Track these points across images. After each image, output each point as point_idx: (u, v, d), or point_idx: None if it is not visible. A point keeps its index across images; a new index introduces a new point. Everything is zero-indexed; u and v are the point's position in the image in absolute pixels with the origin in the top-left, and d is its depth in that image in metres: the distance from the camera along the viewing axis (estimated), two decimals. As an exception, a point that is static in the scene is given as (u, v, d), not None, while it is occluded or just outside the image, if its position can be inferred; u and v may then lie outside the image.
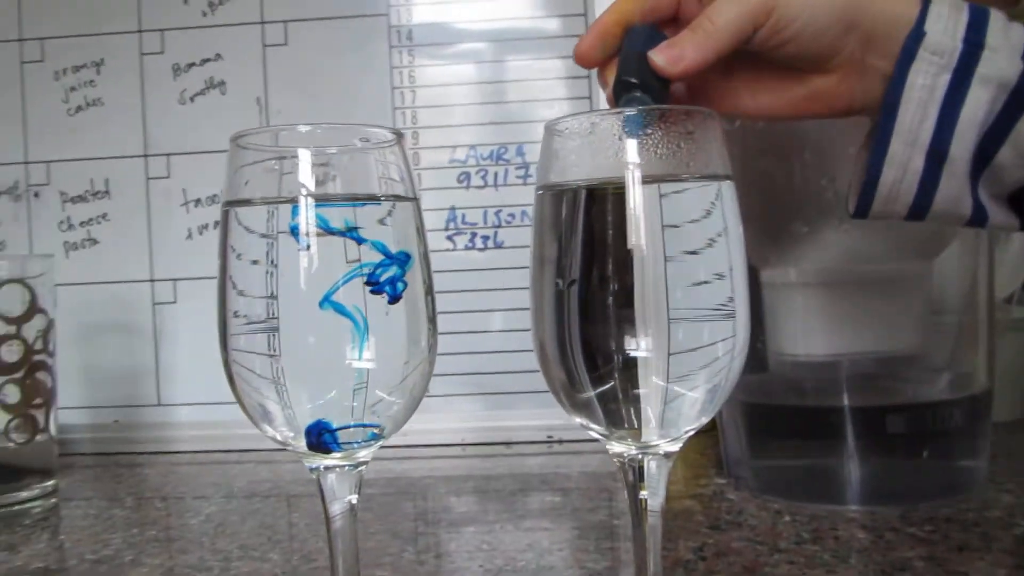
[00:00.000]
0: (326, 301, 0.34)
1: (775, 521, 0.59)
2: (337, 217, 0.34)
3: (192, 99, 0.91)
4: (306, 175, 0.34)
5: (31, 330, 0.69)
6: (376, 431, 0.37)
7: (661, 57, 0.41)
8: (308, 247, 0.34)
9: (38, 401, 0.70)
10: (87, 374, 0.91)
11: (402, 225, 0.36)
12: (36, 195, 0.92)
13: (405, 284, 0.35)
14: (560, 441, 0.84)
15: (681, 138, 0.33)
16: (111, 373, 0.91)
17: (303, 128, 0.36)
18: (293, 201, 0.34)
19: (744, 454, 0.67)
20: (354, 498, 0.38)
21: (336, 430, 0.36)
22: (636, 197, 0.33)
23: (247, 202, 0.35)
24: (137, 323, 0.91)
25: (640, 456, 0.36)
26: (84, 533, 0.63)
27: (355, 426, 0.37)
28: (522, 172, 0.87)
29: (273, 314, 0.33)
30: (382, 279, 0.35)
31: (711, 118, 0.35)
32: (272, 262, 0.33)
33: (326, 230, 0.34)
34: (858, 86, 0.45)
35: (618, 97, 0.41)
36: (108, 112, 0.92)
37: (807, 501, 0.62)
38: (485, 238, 0.87)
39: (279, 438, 0.36)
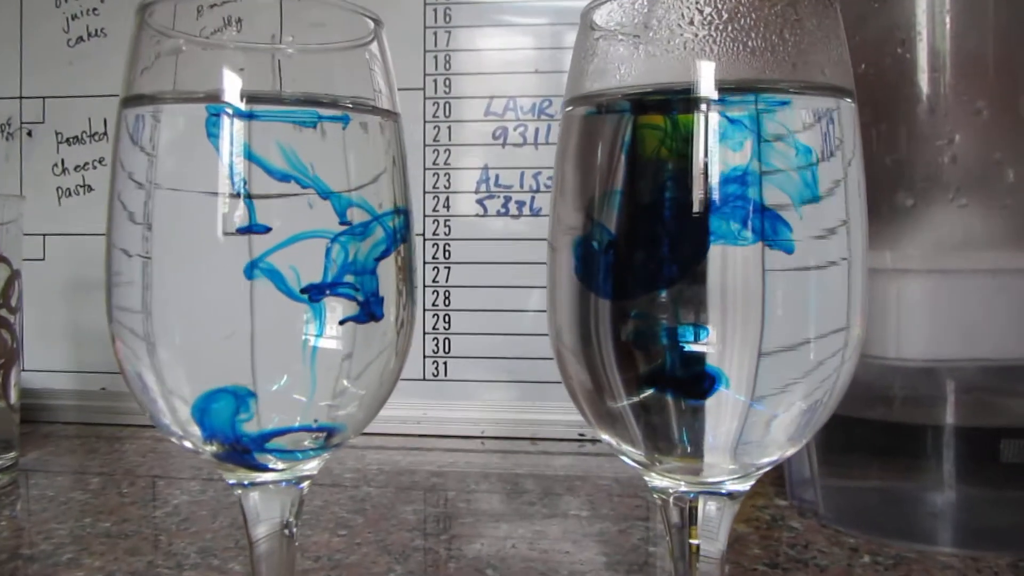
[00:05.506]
0: (255, 267, 0.23)
1: (851, 560, 0.47)
2: (281, 136, 0.24)
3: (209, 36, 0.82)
4: (233, 68, 0.24)
5: (-9, 281, 0.60)
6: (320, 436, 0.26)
7: None
8: (233, 179, 0.23)
9: (-3, 362, 0.61)
10: (75, 335, 0.82)
11: (374, 151, 0.26)
12: (29, 134, 0.84)
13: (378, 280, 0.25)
14: (593, 441, 0.73)
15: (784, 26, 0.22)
16: (101, 335, 0.82)
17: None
18: (212, 101, 0.24)
19: (813, 473, 0.55)
20: (292, 519, 0.28)
21: (267, 436, 0.25)
22: (710, 118, 0.22)
23: (145, 99, 0.24)
24: (131, 281, 0.82)
25: (694, 496, 0.25)
26: (31, 520, 0.54)
27: (300, 428, 0.26)
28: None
29: (151, 276, 0.23)
30: (350, 259, 0.24)
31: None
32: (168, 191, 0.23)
33: (267, 171, 0.23)
34: None
35: None
36: (111, 45, 0.83)
37: (887, 536, 0.50)
38: (520, 204, 0.76)
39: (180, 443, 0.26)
